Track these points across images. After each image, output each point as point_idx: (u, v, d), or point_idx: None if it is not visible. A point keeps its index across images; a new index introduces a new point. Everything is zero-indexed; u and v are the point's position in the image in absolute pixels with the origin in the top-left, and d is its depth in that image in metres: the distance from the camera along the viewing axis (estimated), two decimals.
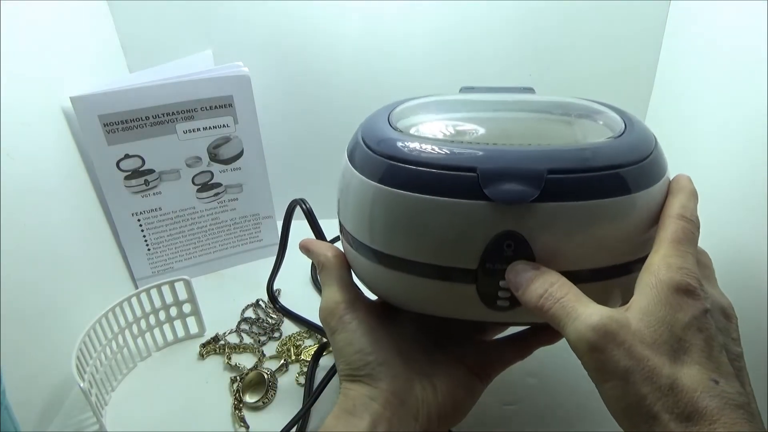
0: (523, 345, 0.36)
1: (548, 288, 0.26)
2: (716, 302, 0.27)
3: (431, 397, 0.31)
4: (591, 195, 0.27)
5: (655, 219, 0.29)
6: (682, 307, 0.24)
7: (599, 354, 0.23)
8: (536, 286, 0.27)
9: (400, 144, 0.30)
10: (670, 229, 0.27)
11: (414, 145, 0.30)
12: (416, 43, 0.58)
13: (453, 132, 0.33)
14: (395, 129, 0.32)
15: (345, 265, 0.35)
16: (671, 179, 0.31)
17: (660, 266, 0.26)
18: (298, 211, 0.44)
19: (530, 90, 0.40)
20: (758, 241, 0.39)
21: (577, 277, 0.28)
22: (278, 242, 0.47)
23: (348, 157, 0.33)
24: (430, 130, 0.33)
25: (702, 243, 0.29)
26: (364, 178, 0.31)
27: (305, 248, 0.38)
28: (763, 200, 0.38)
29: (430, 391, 0.32)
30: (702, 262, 0.30)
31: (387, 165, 0.29)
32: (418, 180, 0.28)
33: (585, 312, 0.25)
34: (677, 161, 0.52)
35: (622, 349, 0.23)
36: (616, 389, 0.23)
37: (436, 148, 0.29)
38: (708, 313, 0.24)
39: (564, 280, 0.27)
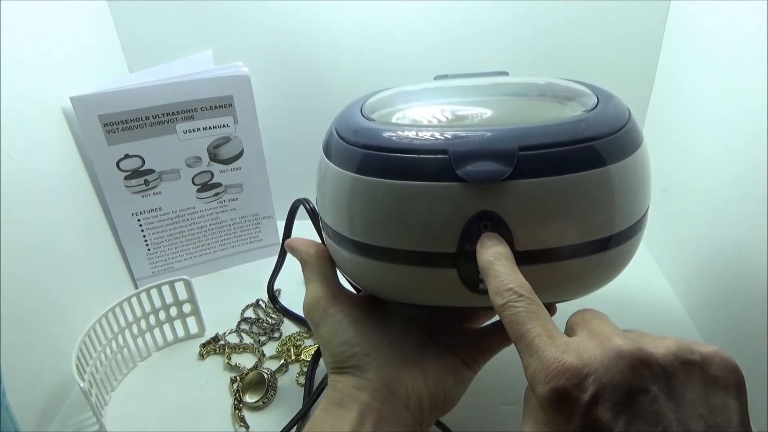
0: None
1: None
2: (606, 376, 0.21)
3: (421, 385, 0.31)
4: (565, 169, 0.27)
5: (632, 191, 0.29)
6: (558, 422, 0.21)
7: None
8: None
9: (373, 132, 0.30)
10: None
11: (387, 132, 0.30)
12: (417, 42, 0.58)
13: (426, 118, 0.33)
14: (368, 119, 0.32)
15: (327, 260, 0.36)
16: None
17: (527, 378, 0.24)
18: (301, 210, 0.44)
19: (504, 73, 0.40)
20: (758, 241, 0.39)
21: (555, 255, 0.28)
22: (278, 242, 0.47)
23: (323, 150, 0.33)
24: (403, 118, 0.34)
25: (702, 243, 0.29)
26: (339, 169, 0.31)
27: (290, 247, 0.38)
28: (763, 200, 0.38)
29: (420, 379, 0.32)
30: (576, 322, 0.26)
31: (361, 154, 0.30)
32: (391, 166, 0.28)
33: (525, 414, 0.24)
34: (677, 161, 0.52)
35: None
36: None
37: (409, 134, 0.29)
38: (594, 408, 0.21)
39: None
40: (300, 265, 0.37)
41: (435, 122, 0.32)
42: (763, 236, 0.38)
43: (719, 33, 0.45)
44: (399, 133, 0.30)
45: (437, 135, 0.29)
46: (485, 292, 0.29)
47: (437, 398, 0.32)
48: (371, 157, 0.29)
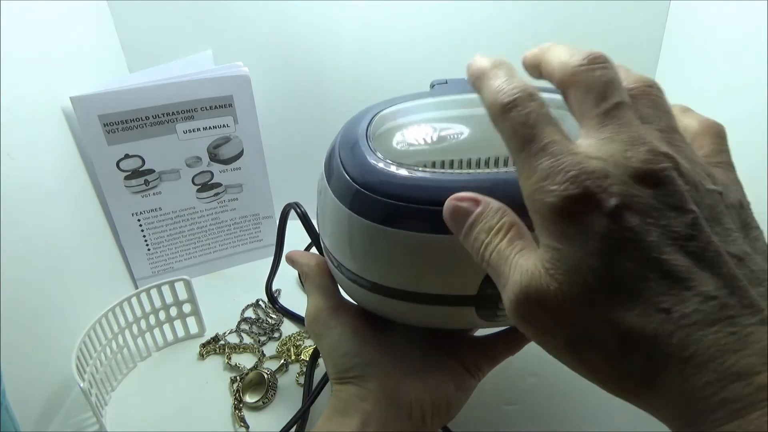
0: (514, 340, 0.36)
1: (485, 237, 0.21)
2: (623, 173, 0.18)
3: (423, 394, 0.31)
4: None
5: None
6: (577, 234, 0.18)
7: (530, 330, 0.19)
8: (474, 232, 0.22)
9: (380, 174, 0.27)
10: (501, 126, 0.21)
11: (397, 175, 0.27)
12: (417, 43, 0.58)
13: (437, 150, 0.31)
14: (374, 151, 0.29)
15: (327, 273, 0.36)
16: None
17: (524, 189, 0.19)
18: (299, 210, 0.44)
19: None
20: None
21: None
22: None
23: (325, 168, 0.31)
24: (413, 151, 0.31)
25: None
26: (342, 206, 0.28)
27: (290, 260, 0.38)
28: (763, 200, 0.38)
29: (422, 388, 0.32)
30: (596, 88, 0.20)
31: (367, 198, 0.27)
32: (405, 216, 0.26)
33: (512, 275, 0.20)
34: None
35: (550, 318, 0.18)
36: (574, 361, 0.19)
37: (422, 179, 0.26)
38: (619, 215, 0.17)
39: (505, 215, 0.21)
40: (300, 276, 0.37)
41: (448, 158, 0.30)
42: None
43: (719, 33, 0.45)
44: (411, 177, 0.27)
45: (455, 185, 0.26)
46: (500, 321, 0.29)
47: (439, 407, 0.32)
48: (378, 203, 0.27)
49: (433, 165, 0.32)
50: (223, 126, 0.54)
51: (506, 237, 0.21)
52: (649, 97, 0.21)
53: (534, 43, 0.63)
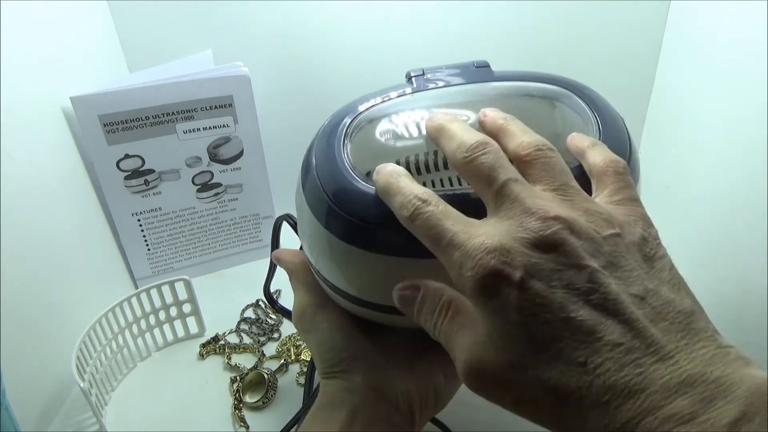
0: None
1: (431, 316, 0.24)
2: (533, 255, 0.20)
3: (411, 386, 0.32)
4: None
5: None
6: (498, 308, 0.20)
7: (484, 396, 0.21)
8: (423, 315, 0.24)
9: (355, 190, 0.26)
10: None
11: (372, 195, 0.26)
12: (417, 42, 0.58)
13: (420, 144, 0.31)
14: (350, 165, 0.28)
15: None
16: None
17: (452, 280, 0.22)
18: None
19: (485, 65, 0.36)
20: (758, 241, 0.39)
21: None
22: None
23: (302, 171, 0.30)
24: (394, 147, 0.31)
25: (702, 243, 0.28)
26: (314, 218, 0.28)
27: (276, 258, 0.38)
28: (763, 200, 0.38)
29: (411, 380, 0.32)
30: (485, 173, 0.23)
31: (340, 216, 0.26)
32: (380, 240, 0.26)
33: (457, 353, 0.22)
34: (677, 161, 0.52)
35: (496, 384, 0.21)
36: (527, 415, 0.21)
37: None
38: (526, 285, 0.20)
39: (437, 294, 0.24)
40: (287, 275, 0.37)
41: (430, 147, 0.30)
42: (763, 237, 0.38)
43: (719, 33, 0.45)
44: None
45: None
46: None
47: (428, 398, 0.32)
48: (351, 225, 0.26)
49: (417, 161, 0.31)
50: (223, 126, 0.54)
51: (447, 316, 0.23)
52: (540, 160, 0.24)
53: (535, 43, 0.63)
